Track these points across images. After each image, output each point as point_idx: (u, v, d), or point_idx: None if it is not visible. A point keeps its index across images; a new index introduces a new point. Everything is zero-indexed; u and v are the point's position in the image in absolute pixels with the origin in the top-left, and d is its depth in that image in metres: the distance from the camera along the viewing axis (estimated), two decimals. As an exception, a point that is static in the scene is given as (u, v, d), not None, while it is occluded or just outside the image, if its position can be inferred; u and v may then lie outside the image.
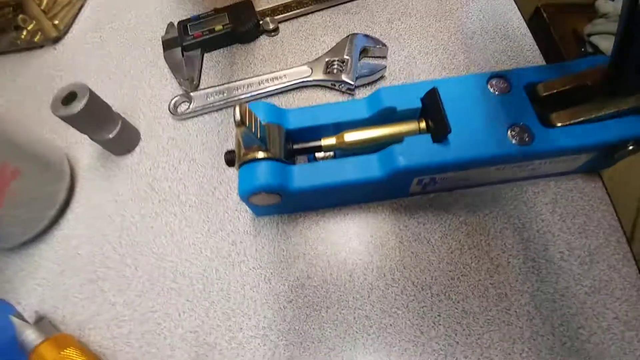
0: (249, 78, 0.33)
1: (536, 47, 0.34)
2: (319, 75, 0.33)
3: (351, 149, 0.25)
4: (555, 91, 0.24)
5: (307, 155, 0.27)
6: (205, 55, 0.36)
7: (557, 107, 0.24)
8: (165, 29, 0.37)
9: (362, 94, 0.33)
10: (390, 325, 0.23)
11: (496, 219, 0.26)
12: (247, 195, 0.23)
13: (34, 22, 0.37)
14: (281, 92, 0.33)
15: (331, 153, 0.26)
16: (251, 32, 0.36)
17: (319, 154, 0.26)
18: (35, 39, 0.38)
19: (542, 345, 0.22)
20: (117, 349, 0.25)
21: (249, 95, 0.33)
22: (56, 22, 0.38)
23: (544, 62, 0.33)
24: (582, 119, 0.23)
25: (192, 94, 0.33)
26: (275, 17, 0.37)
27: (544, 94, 0.24)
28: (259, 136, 0.22)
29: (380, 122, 0.25)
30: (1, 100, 0.36)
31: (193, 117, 0.33)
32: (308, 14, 0.38)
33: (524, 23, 0.35)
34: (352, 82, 0.31)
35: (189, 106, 0.33)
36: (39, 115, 0.35)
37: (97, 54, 0.38)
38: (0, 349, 0.24)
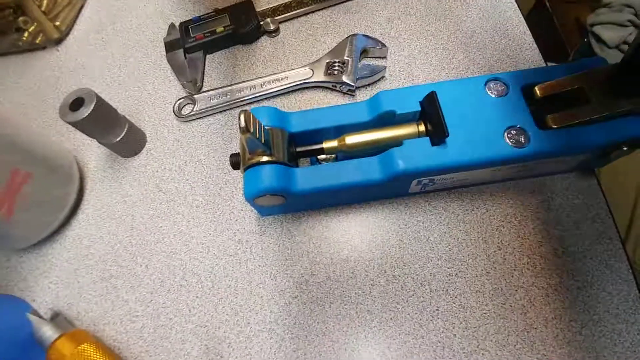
0: (251, 80, 0.34)
1: (535, 45, 0.34)
2: (320, 77, 0.33)
3: (352, 151, 0.26)
4: (551, 93, 0.25)
5: (310, 158, 0.28)
6: (207, 56, 0.37)
7: (553, 109, 0.25)
8: (166, 30, 0.38)
9: (362, 94, 0.33)
10: (391, 319, 0.25)
11: (493, 217, 0.27)
12: (252, 198, 0.24)
13: (35, 23, 0.38)
14: (283, 94, 0.34)
15: (333, 155, 0.27)
16: (252, 33, 0.36)
17: (321, 157, 0.27)
18: (37, 41, 0.38)
19: (535, 337, 0.23)
20: (130, 343, 0.26)
21: (251, 97, 0.33)
22: (57, 23, 0.39)
23: (542, 61, 0.33)
24: (577, 121, 0.24)
25: (195, 96, 0.34)
26: (276, 18, 0.37)
27: (541, 96, 0.25)
28: (263, 141, 0.23)
29: (380, 124, 0.26)
30: (7, 102, 0.37)
31: (197, 119, 0.34)
32: (308, 13, 0.38)
33: (524, 21, 0.35)
34: (352, 84, 0.32)
35: (193, 108, 0.34)
36: (45, 117, 0.36)
37: (100, 56, 0.38)
38: (19, 344, 0.26)
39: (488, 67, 0.33)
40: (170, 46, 0.36)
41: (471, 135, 0.24)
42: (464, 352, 0.23)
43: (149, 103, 0.35)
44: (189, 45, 0.35)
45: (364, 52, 0.34)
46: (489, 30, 0.35)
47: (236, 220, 0.29)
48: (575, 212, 0.27)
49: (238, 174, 0.30)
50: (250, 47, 0.37)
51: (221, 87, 0.34)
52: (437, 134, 0.23)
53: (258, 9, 0.37)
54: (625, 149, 0.24)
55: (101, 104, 0.28)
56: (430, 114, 0.24)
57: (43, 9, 0.39)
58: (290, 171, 0.25)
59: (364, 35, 0.34)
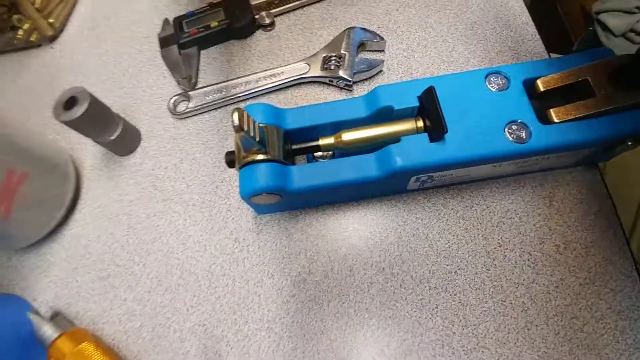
0: (246, 76, 0.33)
1: (538, 37, 0.33)
2: (316, 72, 0.32)
3: (349, 148, 0.25)
4: (554, 87, 0.24)
5: (306, 155, 0.27)
6: (202, 52, 0.36)
7: (556, 103, 0.24)
8: (161, 26, 0.37)
9: (360, 89, 0.33)
10: (390, 317, 0.24)
11: (493, 214, 0.27)
12: (248, 197, 0.24)
13: (30, 21, 0.37)
14: (279, 89, 0.33)
15: (330, 152, 0.26)
16: (247, 28, 0.36)
17: (317, 154, 0.27)
18: (32, 38, 0.38)
19: (535, 335, 0.23)
20: (129, 342, 0.26)
21: (247, 93, 0.33)
22: (51, 20, 0.38)
23: (545, 52, 0.33)
24: (580, 115, 0.23)
25: (190, 92, 0.33)
26: (271, 11, 0.36)
27: (543, 90, 0.24)
28: (257, 139, 0.22)
29: (378, 120, 0.25)
30: (3, 102, 0.37)
31: (193, 116, 0.33)
32: (304, 6, 0.37)
33: (526, 11, 0.34)
34: (350, 79, 0.31)
35: (188, 105, 0.33)
36: (41, 116, 0.35)
37: (95, 53, 0.38)
38: (21, 343, 0.26)
39: (489, 59, 0.32)
40: (164, 42, 0.35)
41: (471, 131, 0.23)
42: (463, 350, 0.23)
43: (144, 100, 0.35)
44: (183, 40, 0.35)
45: (362, 46, 0.33)
46: (490, 21, 0.34)
47: (233, 218, 0.28)
48: (578, 207, 0.26)
49: (234, 172, 0.30)
50: (245, 41, 0.36)
51: (216, 84, 0.34)
52: (436, 130, 0.23)
53: (253, 3, 0.36)
54: (630, 143, 0.23)
55: (95, 102, 0.27)
56: (428, 109, 0.24)
57: (37, 6, 0.38)
58: (286, 169, 0.24)
59: (361, 29, 0.33)
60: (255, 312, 0.25)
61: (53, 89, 0.36)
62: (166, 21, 0.36)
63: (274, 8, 0.36)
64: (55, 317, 0.27)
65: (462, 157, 0.23)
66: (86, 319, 0.27)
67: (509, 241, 0.26)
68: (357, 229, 0.27)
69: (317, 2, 0.37)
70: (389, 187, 0.27)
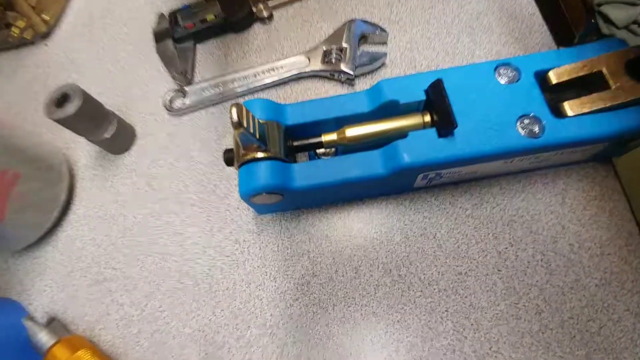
0: (244, 70, 0.32)
1: (545, 27, 0.32)
2: (316, 66, 0.31)
3: (353, 144, 0.24)
4: (567, 79, 0.23)
5: (308, 152, 0.26)
6: (198, 46, 0.35)
7: (569, 96, 0.23)
8: (155, 20, 0.36)
9: (362, 83, 0.31)
10: (398, 321, 0.23)
11: (504, 212, 0.26)
12: (247, 196, 0.23)
13: (24, 18, 0.36)
14: (278, 84, 0.32)
15: (332, 149, 0.25)
16: (244, 21, 0.34)
17: (319, 150, 0.26)
18: (26, 36, 0.36)
19: (551, 339, 0.22)
20: (128, 349, 0.25)
21: (245, 88, 0.32)
22: (45, 16, 0.37)
23: (554, 44, 0.31)
24: (596, 108, 0.22)
25: (186, 88, 0.32)
26: (269, 3, 0.35)
27: (556, 82, 0.23)
28: (257, 136, 0.21)
29: (382, 115, 0.24)
30: (-3, 100, 0.36)
31: (189, 112, 0.32)
32: (304, -2, 0.36)
33: (533, 2, 0.33)
34: (351, 72, 0.30)
35: (184, 101, 0.32)
36: (35, 115, 0.34)
37: (89, 49, 0.36)
38: (16, 348, 0.25)
39: (495, 51, 0.31)
40: (159, 36, 0.34)
41: (481, 126, 0.22)
42: (475, 355, 0.22)
43: (139, 97, 0.33)
44: (178, 35, 0.33)
45: (363, 38, 0.32)
46: (496, 12, 0.33)
47: (232, 219, 0.27)
48: (591, 205, 0.25)
49: (233, 171, 0.29)
50: (242, 35, 0.35)
51: (213, 79, 0.32)
52: (445, 124, 0.22)
53: (250, -5, 0.35)
54: (646, 137, 0.22)
55: (88, 99, 0.26)
56: (436, 103, 0.23)
57: (31, 3, 0.37)
58: (287, 167, 0.23)
59: (363, 21, 0.32)
60: (258, 317, 0.24)
61: (47, 86, 0.35)
62: (161, 16, 0.35)
63: (272, 0, 0.35)
64: (51, 323, 0.26)
65: (473, 152, 0.22)
66: (82, 324, 0.26)
67: (521, 240, 0.25)
68: (362, 228, 0.26)
69: (317, -7, 0.36)
70: (395, 185, 0.26)
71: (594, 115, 0.22)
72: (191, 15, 0.34)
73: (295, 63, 0.32)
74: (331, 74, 0.31)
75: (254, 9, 0.34)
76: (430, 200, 0.26)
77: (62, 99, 0.25)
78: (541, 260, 0.24)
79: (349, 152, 0.24)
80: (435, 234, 0.25)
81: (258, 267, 0.26)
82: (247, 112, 0.21)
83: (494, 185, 0.26)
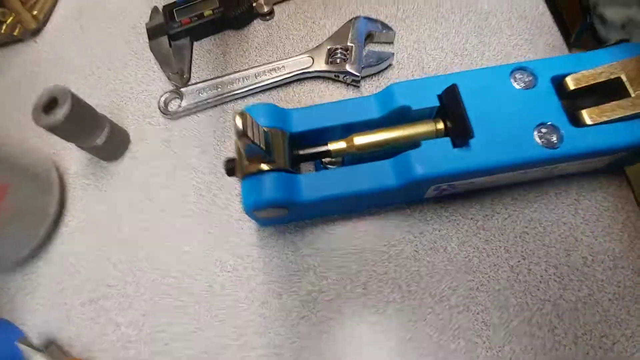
0: (244, 70, 0.30)
1: (556, 28, 0.31)
2: (321, 66, 0.30)
3: (362, 153, 0.23)
4: (585, 85, 0.22)
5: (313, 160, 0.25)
6: (195, 43, 0.33)
7: (587, 102, 0.22)
8: (149, 15, 0.33)
9: (368, 85, 0.30)
10: (409, 339, 0.23)
11: (516, 223, 0.25)
12: (252, 211, 0.21)
13: (13, 14, 0.34)
14: (280, 85, 0.30)
15: (339, 157, 0.24)
16: (244, 16, 0.33)
17: (326, 159, 0.24)
18: (15, 33, 0.34)
19: (564, 356, 0.22)
20: (126, 369, 0.24)
21: (245, 89, 0.30)
22: (35, 12, 0.35)
23: (564, 45, 0.30)
24: (615, 117, 0.21)
25: (183, 89, 0.30)
26: (270, -1, 0.33)
27: (574, 88, 0.22)
28: (263, 147, 0.20)
29: (392, 122, 0.23)
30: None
31: (186, 115, 0.30)
32: (306, -7, 0.34)
33: (542, 1, 0.32)
34: (357, 74, 0.29)
35: (180, 103, 0.30)
36: (22, 117, 0.32)
37: (79, 46, 0.34)
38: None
39: (505, 53, 0.30)
40: (153, 32, 0.32)
41: (497, 135, 0.21)
42: (487, 374, 0.22)
43: (132, 98, 0.31)
44: (174, 31, 0.31)
45: (369, 37, 0.31)
46: (505, 12, 0.32)
47: (234, 231, 0.26)
48: (604, 216, 0.25)
49: (234, 179, 0.27)
50: (241, 32, 0.33)
51: (211, 79, 0.31)
52: (460, 134, 0.21)
53: (250, -11, 0.33)
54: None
55: (78, 103, 0.24)
56: (451, 110, 0.22)
57: None
58: (293, 178, 0.22)
59: (369, 18, 0.31)
60: (262, 336, 0.23)
61: (36, 87, 0.32)
62: (155, 9, 0.33)
63: (273, -6, 0.33)
64: (49, 347, 0.24)
65: (489, 164, 0.21)
66: (78, 345, 0.25)
67: (533, 253, 0.24)
68: (370, 241, 0.25)
69: (320, -12, 0.34)
70: (404, 196, 0.25)
71: (614, 124, 0.21)
72: (187, 10, 0.32)
73: (298, 63, 0.30)
74: (336, 75, 0.30)
75: (254, 4, 0.32)
76: (440, 212, 0.25)
77: (50, 104, 0.23)
78: (554, 274, 0.23)
79: (356, 160, 0.23)
80: (446, 247, 0.25)
81: (262, 283, 0.25)
82: (253, 121, 0.19)
83: (505, 195, 0.25)
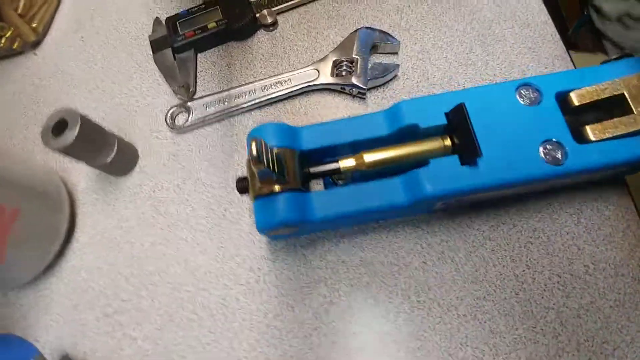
0: (250, 83, 0.31)
1: (558, 37, 0.31)
2: (327, 78, 0.30)
3: (371, 170, 0.23)
4: (589, 101, 0.22)
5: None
6: (199, 55, 0.33)
7: (590, 118, 0.23)
8: (151, 26, 0.33)
9: (374, 96, 0.30)
10: (418, 348, 0.23)
11: (521, 233, 0.25)
12: (265, 231, 0.22)
13: (12, 28, 0.33)
14: (286, 98, 0.31)
15: (348, 174, 0.25)
16: (248, 28, 0.33)
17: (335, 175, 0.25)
18: (14, 46, 0.34)
19: (567, 362, 0.23)
20: (142, 381, 0.25)
21: (251, 103, 0.30)
22: (34, 24, 0.34)
23: (566, 55, 0.31)
24: (619, 133, 0.22)
25: (189, 104, 0.30)
26: (273, 9, 0.33)
27: (578, 104, 0.23)
28: (276, 170, 0.20)
29: (401, 138, 0.24)
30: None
31: (193, 129, 0.30)
32: (308, 2, 0.34)
33: (544, 9, 0.32)
34: (363, 86, 0.29)
35: (187, 118, 0.30)
36: (25, 132, 0.32)
37: (81, 58, 0.34)
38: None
39: (509, 62, 0.30)
40: (156, 45, 0.32)
41: (504, 151, 0.22)
42: (495, 380, 0.23)
43: (138, 112, 0.32)
44: (177, 44, 0.31)
45: (374, 48, 0.31)
46: (508, 19, 0.32)
47: (245, 245, 0.27)
48: (605, 224, 0.25)
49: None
50: (245, 43, 0.33)
51: (217, 93, 0.31)
52: (469, 153, 0.21)
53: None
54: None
55: (87, 123, 0.24)
56: (459, 129, 0.22)
57: (19, 11, 0.34)
58: (305, 197, 0.22)
59: (373, 29, 0.31)
60: (277, 348, 0.24)
61: (38, 101, 0.33)
62: (157, 21, 0.33)
63: (276, 5, 0.33)
64: None
65: (497, 181, 0.21)
66: None
67: (538, 262, 0.25)
68: (379, 253, 0.26)
69: (323, -3, 0.34)
70: (413, 210, 0.25)
71: (617, 140, 0.22)
72: (191, 23, 0.31)
73: (304, 76, 0.30)
74: (342, 87, 0.30)
75: (258, 15, 0.32)
76: (447, 223, 0.26)
77: (59, 125, 0.23)
78: (557, 282, 0.24)
79: (366, 176, 0.24)
80: (453, 257, 0.25)
81: (274, 295, 0.25)
82: (266, 145, 0.20)
83: (511, 206, 0.26)
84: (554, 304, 0.24)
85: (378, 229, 0.26)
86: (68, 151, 0.23)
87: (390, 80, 0.31)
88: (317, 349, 0.24)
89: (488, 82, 0.30)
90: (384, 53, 0.31)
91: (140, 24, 0.34)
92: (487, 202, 0.26)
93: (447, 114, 0.23)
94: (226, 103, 0.30)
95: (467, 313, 0.24)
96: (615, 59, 0.24)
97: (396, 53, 0.31)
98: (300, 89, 0.30)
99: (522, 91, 0.23)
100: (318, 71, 0.30)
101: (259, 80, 0.31)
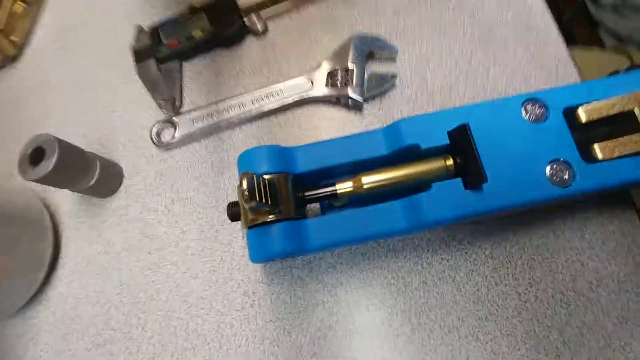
0: (239, 95, 0.29)
1: (561, 40, 0.30)
2: (321, 90, 0.28)
3: (370, 193, 0.22)
4: (598, 117, 0.21)
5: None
6: (185, 64, 0.31)
7: (599, 134, 0.22)
8: (134, 35, 0.31)
9: (370, 107, 0.29)
10: (420, 373, 0.23)
11: (523, 250, 0.25)
12: (260, 262, 0.21)
13: None
14: (278, 110, 0.29)
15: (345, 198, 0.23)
16: (236, 34, 0.31)
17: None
18: None
19: (570, 383, 0.22)
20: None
21: (241, 116, 0.29)
22: (13, 37, 0.32)
23: (569, 59, 0.29)
24: (629, 152, 0.21)
25: (176, 119, 0.29)
26: (262, 14, 0.31)
27: (586, 121, 0.22)
28: (269, 203, 0.19)
29: (401, 158, 0.22)
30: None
31: (180, 146, 0.29)
32: (300, 6, 0.32)
33: (547, 11, 0.31)
34: (360, 98, 0.28)
35: (174, 133, 0.29)
36: (6, 153, 0.30)
37: (62, 70, 0.32)
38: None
39: (511, 68, 0.29)
40: (139, 55, 0.30)
41: (509, 173, 0.21)
42: (498, 404, 0.22)
43: (121, 127, 0.30)
44: (161, 54, 0.29)
45: (370, 55, 0.29)
46: (510, 23, 0.31)
47: (238, 268, 0.26)
48: (610, 239, 0.25)
49: (236, 213, 0.27)
50: (234, 50, 0.31)
51: (205, 106, 0.29)
52: (474, 178, 0.20)
53: (241, 4, 0.30)
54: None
55: (65, 149, 0.23)
56: (462, 149, 0.21)
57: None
58: (300, 226, 0.21)
59: (369, 35, 0.29)
60: (275, 377, 0.23)
61: (19, 118, 0.31)
62: (140, 29, 0.31)
63: (265, 8, 0.31)
64: None
65: (502, 205, 0.20)
66: (85, 390, 0.24)
67: (541, 280, 0.24)
68: (379, 274, 0.25)
69: (315, 1, 0.32)
70: (413, 232, 0.24)
71: (625, 159, 0.21)
72: (175, 31, 0.29)
73: (296, 86, 0.29)
74: (337, 99, 0.29)
75: (246, 21, 0.30)
76: (447, 240, 0.25)
77: (36, 154, 0.22)
78: (561, 300, 0.24)
79: (364, 200, 0.22)
80: (454, 276, 0.25)
81: (271, 320, 0.24)
82: (258, 179, 0.18)
83: (513, 223, 0.25)
84: (556, 322, 0.23)
85: (377, 249, 0.25)
86: (47, 180, 0.22)
87: (388, 89, 0.29)
88: (316, 376, 0.23)
89: (490, 90, 0.29)
90: (381, 59, 0.30)
91: (124, 33, 0.32)
92: (488, 219, 0.25)
93: (449, 134, 0.22)
94: (214, 117, 0.29)
95: (469, 334, 0.23)
96: (625, 71, 0.23)
97: (394, 60, 0.30)
98: (293, 101, 0.29)
99: (527, 107, 0.22)
100: (311, 81, 0.29)
101: (249, 92, 0.29)
